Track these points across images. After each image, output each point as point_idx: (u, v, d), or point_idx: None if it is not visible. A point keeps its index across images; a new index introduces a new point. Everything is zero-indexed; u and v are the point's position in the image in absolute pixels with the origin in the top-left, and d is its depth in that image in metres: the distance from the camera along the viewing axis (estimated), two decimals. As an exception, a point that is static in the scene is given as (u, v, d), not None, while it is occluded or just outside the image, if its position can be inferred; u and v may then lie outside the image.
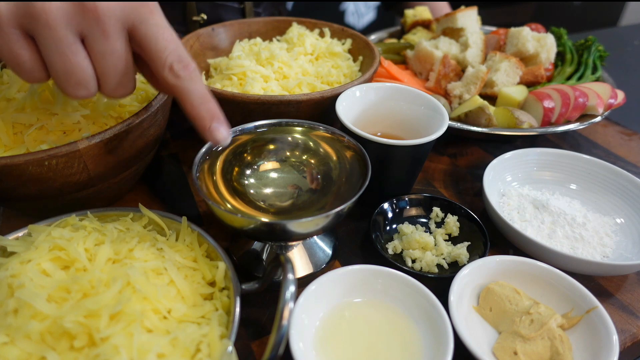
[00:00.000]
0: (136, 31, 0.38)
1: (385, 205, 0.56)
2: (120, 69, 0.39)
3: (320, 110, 0.58)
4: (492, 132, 0.66)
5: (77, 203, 0.49)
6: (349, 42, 0.74)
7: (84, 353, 0.33)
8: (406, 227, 0.54)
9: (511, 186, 0.62)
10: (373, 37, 0.94)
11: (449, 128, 0.61)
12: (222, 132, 0.42)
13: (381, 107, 0.61)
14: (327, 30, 0.76)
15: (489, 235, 0.52)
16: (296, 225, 0.40)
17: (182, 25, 0.87)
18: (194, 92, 0.40)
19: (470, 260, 0.50)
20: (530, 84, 0.78)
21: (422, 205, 0.58)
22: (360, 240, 0.56)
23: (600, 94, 0.72)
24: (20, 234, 0.44)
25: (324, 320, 0.43)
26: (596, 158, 0.62)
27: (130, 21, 0.38)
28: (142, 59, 0.41)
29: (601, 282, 0.51)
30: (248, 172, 0.48)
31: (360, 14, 1.09)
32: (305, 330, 0.41)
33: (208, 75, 0.71)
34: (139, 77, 0.60)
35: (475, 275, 0.47)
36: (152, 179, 0.64)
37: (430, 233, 0.55)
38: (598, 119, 0.70)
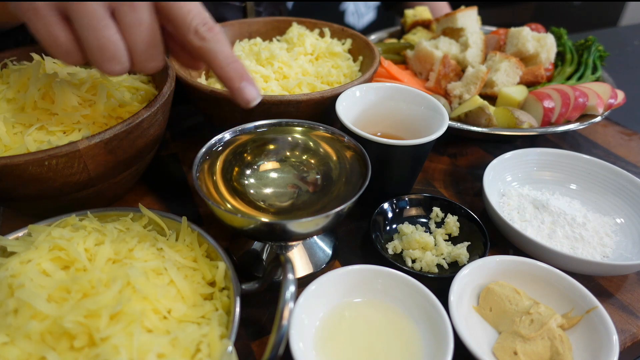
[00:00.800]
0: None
1: (385, 205, 0.56)
2: (149, 40, 0.41)
3: (320, 110, 0.58)
4: (492, 132, 0.66)
5: (77, 203, 0.49)
6: (349, 42, 0.74)
7: (84, 353, 0.33)
8: (406, 227, 0.54)
9: (511, 186, 0.62)
10: (373, 37, 0.94)
11: (449, 128, 0.61)
12: (251, 91, 0.43)
13: (381, 107, 0.61)
14: (327, 30, 0.76)
15: (489, 235, 0.52)
16: (296, 225, 0.40)
17: None
18: (220, 53, 0.42)
19: (470, 260, 0.50)
20: (530, 84, 0.78)
21: (422, 205, 0.58)
22: (360, 240, 0.56)
23: (600, 94, 0.72)
24: (20, 234, 0.44)
25: (324, 320, 0.43)
26: (596, 158, 0.62)
27: None
28: (167, 32, 0.43)
29: (601, 282, 0.51)
30: (248, 172, 0.48)
31: (360, 14, 1.09)
32: (305, 330, 0.41)
33: (208, 75, 0.71)
34: (139, 77, 0.60)
35: (475, 275, 0.47)
36: (152, 179, 0.64)
37: (430, 233, 0.55)
38: (598, 119, 0.70)
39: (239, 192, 0.46)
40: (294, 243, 0.50)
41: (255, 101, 0.44)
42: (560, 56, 0.86)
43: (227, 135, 0.50)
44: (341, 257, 0.54)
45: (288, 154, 0.51)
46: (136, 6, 0.39)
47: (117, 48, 0.39)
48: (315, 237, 0.53)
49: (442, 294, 0.44)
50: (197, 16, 0.41)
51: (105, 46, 0.39)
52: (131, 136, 0.48)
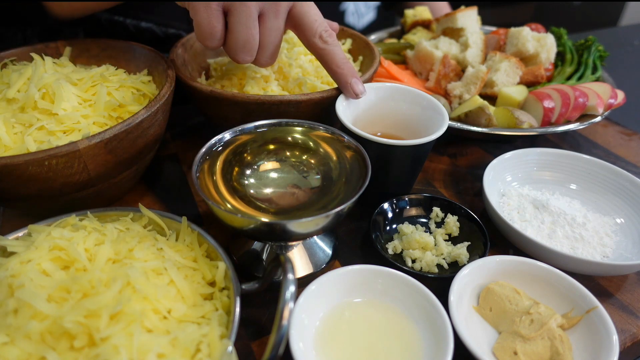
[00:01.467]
0: (294, 9, 0.50)
1: (385, 205, 0.56)
2: (278, 42, 0.52)
3: (320, 110, 0.58)
4: (492, 132, 0.66)
5: (77, 203, 0.49)
6: (349, 42, 0.74)
7: (84, 353, 0.33)
8: (406, 227, 0.54)
9: (511, 186, 0.62)
10: (373, 37, 0.94)
11: (449, 128, 0.61)
12: (361, 86, 0.55)
13: (381, 107, 0.61)
14: (327, 30, 0.76)
15: (489, 235, 0.52)
16: (296, 225, 0.40)
17: (186, 23, 0.87)
18: (337, 54, 0.53)
19: (470, 260, 0.50)
20: (530, 84, 0.78)
21: (422, 205, 0.58)
22: (360, 240, 0.56)
23: (600, 94, 0.72)
24: (20, 234, 0.44)
25: (324, 320, 0.43)
26: (596, 158, 0.62)
27: (292, 2, 0.50)
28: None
29: (601, 282, 0.51)
30: (248, 172, 0.48)
31: (360, 14, 1.09)
32: (305, 330, 0.41)
33: (208, 76, 0.71)
34: (139, 77, 0.60)
35: (475, 275, 0.47)
36: (152, 179, 0.64)
37: (430, 233, 0.55)
38: (598, 119, 0.70)
39: (239, 192, 0.46)
40: (294, 243, 0.50)
41: (363, 94, 0.55)
42: (560, 56, 0.86)
43: (227, 135, 0.50)
44: (341, 257, 0.54)
45: (288, 154, 0.51)
46: (279, 14, 0.49)
47: (255, 43, 0.49)
48: (315, 237, 0.53)
49: (442, 294, 0.44)
50: (321, 24, 0.51)
51: (248, 40, 0.49)
52: (131, 136, 0.48)
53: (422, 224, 0.56)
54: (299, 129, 0.52)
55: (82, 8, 0.70)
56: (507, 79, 0.75)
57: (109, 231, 0.42)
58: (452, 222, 0.55)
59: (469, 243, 0.52)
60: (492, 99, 0.75)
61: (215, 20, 0.48)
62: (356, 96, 0.55)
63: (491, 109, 0.68)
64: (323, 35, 0.51)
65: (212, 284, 0.42)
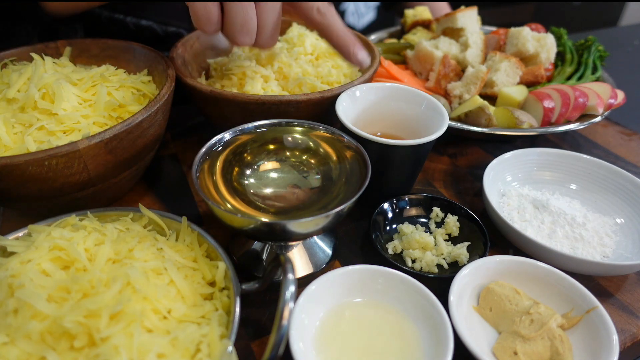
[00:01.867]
0: None
1: (385, 205, 0.56)
2: (276, 21, 0.51)
3: (320, 110, 0.58)
4: (492, 132, 0.66)
5: (77, 203, 0.49)
6: (349, 42, 0.74)
7: (84, 353, 0.33)
8: (406, 227, 0.54)
9: (511, 186, 0.62)
10: (373, 37, 0.94)
11: (449, 128, 0.61)
12: (363, 53, 0.56)
13: (381, 107, 0.61)
14: (327, 30, 0.76)
15: (489, 235, 0.52)
16: (296, 225, 0.40)
17: (186, 22, 0.87)
18: (337, 25, 0.53)
19: (470, 260, 0.50)
20: (530, 84, 0.78)
21: (422, 205, 0.58)
22: (360, 240, 0.56)
23: (600, 94, 0.72)
24: (20, 234, 0.44)
25: (324, 320, 0.43)
26: (596, 158, 0.62)
27: None
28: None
29: (601, 282, 0.51)
30: (248, 172, 0.48)
31: (360, 14, 1.09)
32: (305, 330, 0.41)
33: (208, 76, 0.70)
34: (139, 77, 0.60)
35: (475, 275, 0.47)
36: (152, 179, 0.64)
37: (430, 233, 0.55)
38: (598, 119, 0.70)
39: (239, 192, 0.46)
40: (294, 243, 0.50)
41: (366, 61, 0.56)
42: (560, 56, 0.86)
43: (227, 135, 0.50)
44: (341, 257, 0.54)
45: (288, 154, 0.51)
46: None
47: (253, 25, 0.49)
48: (315, 237, 0.53)
49: (442, 294, 0.44)
50: None
51: (246, 22, 0.48)
52: (131, 136, 0.48)
53: (422, 224, 0.56)
54: (299, 129, 0.52)
55: (73, 6, 0.70)
56: (507, 79, 0.75)
57: (109, 231, 0.42)
58: (452, 222, 0.55)
59: (469, 243, 0.52)
60: (492, 99, 0.75)
61: (211, 4, 0.47)
62: (360, 64, 0.56)
63: (491, 109, 0.68)
64: (320, 8, 0.52)
65: (212, 284, 0.42)
